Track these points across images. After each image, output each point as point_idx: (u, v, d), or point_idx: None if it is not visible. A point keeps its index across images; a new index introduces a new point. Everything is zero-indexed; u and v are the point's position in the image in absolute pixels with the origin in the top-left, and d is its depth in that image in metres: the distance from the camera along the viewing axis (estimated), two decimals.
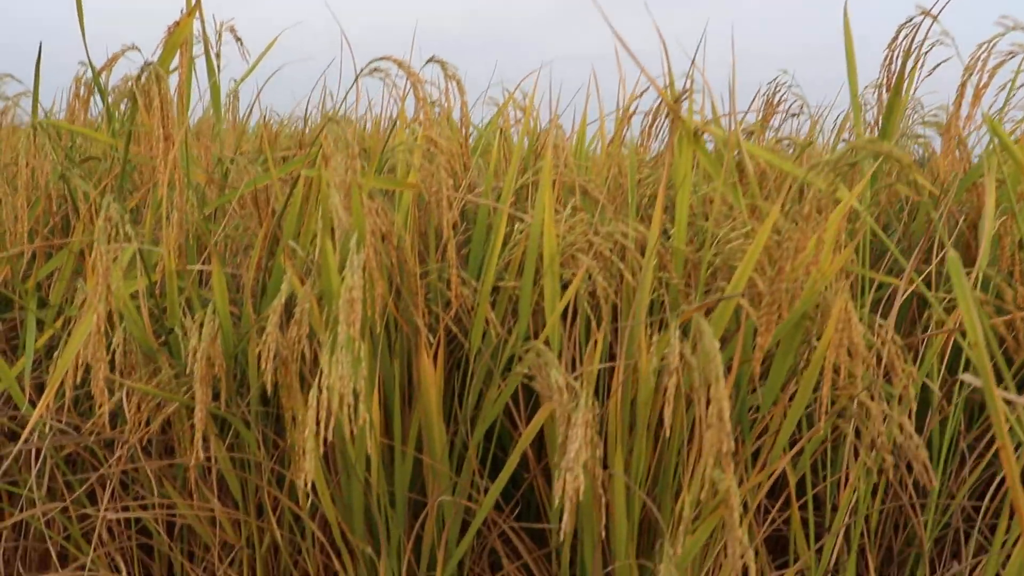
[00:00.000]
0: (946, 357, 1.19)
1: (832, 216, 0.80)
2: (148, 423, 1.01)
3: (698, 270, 0.97)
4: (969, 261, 1.48)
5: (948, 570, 1.26)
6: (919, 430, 1.25)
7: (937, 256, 1.40)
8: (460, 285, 1.01)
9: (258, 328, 1.01)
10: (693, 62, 0.90)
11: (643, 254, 0.95)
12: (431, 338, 1.00)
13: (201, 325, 0.90)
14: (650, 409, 0.86)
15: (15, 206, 1.32)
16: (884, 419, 0.83)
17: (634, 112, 1.16)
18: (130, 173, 1.59)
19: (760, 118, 1.34)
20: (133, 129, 1.26)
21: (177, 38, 1.17)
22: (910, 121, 1.48)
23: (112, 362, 1.24)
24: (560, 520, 1.03)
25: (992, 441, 1.41)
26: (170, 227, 1.12)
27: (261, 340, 0.84)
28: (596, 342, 0.84)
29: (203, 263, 1.31)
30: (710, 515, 0.73)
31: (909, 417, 0.88)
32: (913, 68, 1.28)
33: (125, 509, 1.16)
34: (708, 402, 0.71)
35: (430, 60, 1.32)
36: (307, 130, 2.91)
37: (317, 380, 0.71)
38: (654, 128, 1.27)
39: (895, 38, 1.29)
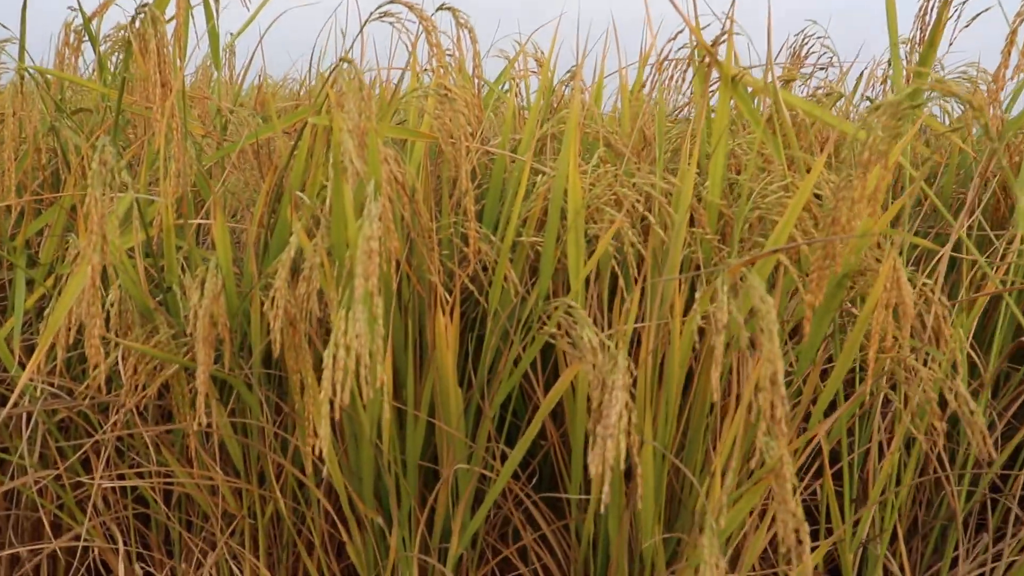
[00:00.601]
0: (973, 324, 1.14)
1: (878, 169, 0.74)
2: (145, 387, 0.96)
3: (732, 226, 0.91)
4: (998, 223, 1.42)
5: (976, 541, 1.22)
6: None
7: (970, 217, 1.34)
8: (478, 240, 0.95)
9: (263, 285, 0.95)
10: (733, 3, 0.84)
11: (675, 208, 0.89)
12: (447, 296, 0.94)
13: (203, 282, 0.84)
14: (682, 371, 0.80)
15: (2, 159, 1.25)
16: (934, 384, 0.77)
17: (665, 58, 1.10)
18: (124, 127, 1.52)
19: (787, 70, 1.28)
20: (127, 78, 1.20)
21: None
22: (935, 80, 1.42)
23: (107, 322, 1.18)
24: (585, 491, 0.97)
25: (1019, 411, 1.36)
26: (168, 179, 1.05)
27: (268, 297, 0.78)
28: (629, 301, 0.78)
29: (202, 218, 1.25)
30: (755, 485, 0.67)
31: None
32: (944, 20, 1.22)
33: (121, 477, 1.11)
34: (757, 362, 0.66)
35: (441, 7, 1.25)
36: (304, 91, 2.83)
37: (333, 338, 0.65)
38: (675, 78, 1.20)
39: None
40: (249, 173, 1.30)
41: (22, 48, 1.36)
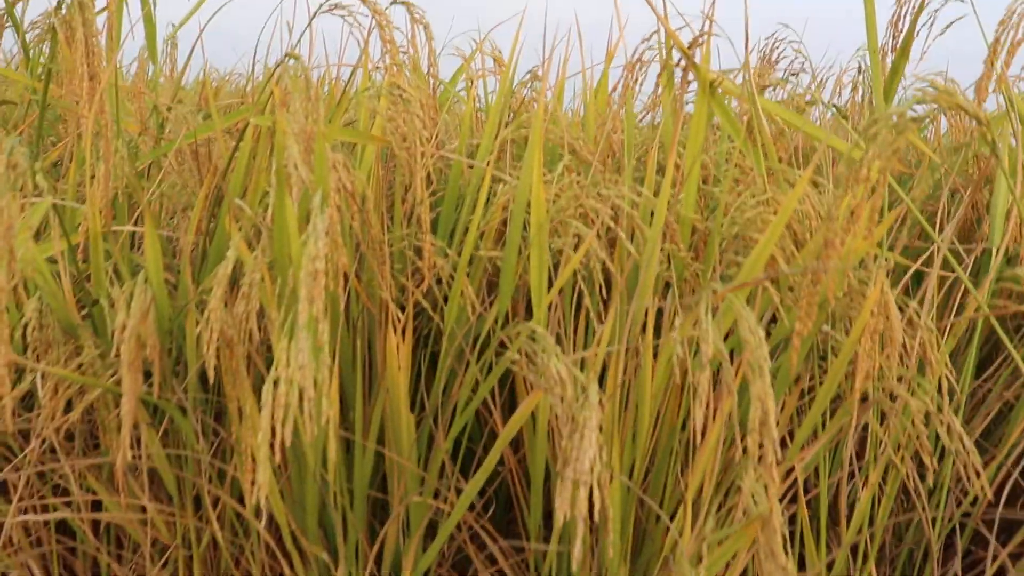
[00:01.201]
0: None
1: (862, 188, 0.69)
2: (69, 409, 0.87)
3: (706, 241, 0.85)
4: (965, 238, 1.39)
5: (946, 571, 1.18)
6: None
7: (939, 233, 1.31)
8: (434, 254, 0.88)
9: (198, 302, 0.87)
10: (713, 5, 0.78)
11: (646, 222, 0.83)
12: (399, 314, 0.87)
13: (131, 298, 0.76)
14: (657, 404, 0.74)
15: None
16: (926, 417, 0.72)
17: (638, 60, 1.04)
18: (52, 123, 1.43)
19: (761, 75, 1.22)
20: (54, 69, 1.11)
21: None
22: (905, 91, 1.38)
23: (24, 335, 1.09)
24: (545, 524, 0.91)
25: (989, 432, 1.33)
26: (96, 182, 0.97)
27: (203, 318, 0.71)
28: (601, 330, 0.72)
29: (134, 224, 1.16)
30: (742, 532, 0.61)
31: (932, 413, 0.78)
32: (916, 28, 1.17)
33: (44, 507, 1.02)
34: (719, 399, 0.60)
35: (395, 1, 1.17)
36: (251, 86, 2.73)
37: (273, 372, 0.57)
38: (642, 80, 1.14)
39: None
40: (188, 175, 1.22)
41: None
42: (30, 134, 1.25)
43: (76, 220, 1.05)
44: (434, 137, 1.10)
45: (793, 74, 1.27)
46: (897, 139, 0.59)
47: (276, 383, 0.57)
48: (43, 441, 0.83)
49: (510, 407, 1.07)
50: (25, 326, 0.88)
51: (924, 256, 0.81)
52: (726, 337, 0.91)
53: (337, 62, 1.17)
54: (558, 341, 0.95)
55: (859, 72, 1.25)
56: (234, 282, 0.91)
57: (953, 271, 1.25)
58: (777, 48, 1.22)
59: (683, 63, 0.83)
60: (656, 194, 0.98)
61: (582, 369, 0.89)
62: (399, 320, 0.86)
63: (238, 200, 0.81)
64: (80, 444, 1.01)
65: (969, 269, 1.15)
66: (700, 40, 0.79)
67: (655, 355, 0.80)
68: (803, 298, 0.64)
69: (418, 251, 0.94)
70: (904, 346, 0.81)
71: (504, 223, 0.99)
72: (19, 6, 1.30)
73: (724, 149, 0.91)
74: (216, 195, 1.01)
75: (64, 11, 1.00)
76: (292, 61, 0.75)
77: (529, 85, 1.19)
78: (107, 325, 0.95)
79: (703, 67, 0.76)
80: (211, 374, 0.73)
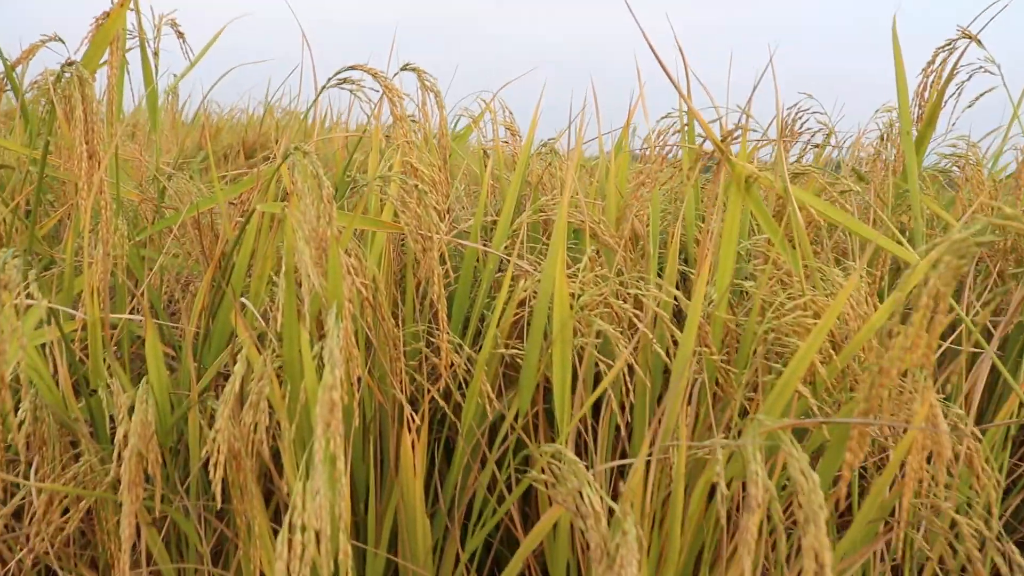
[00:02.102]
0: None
1: (921, 314, 0.65)
2: (66, 511, 0.83)
3: (739, 340, 0.81)
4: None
5: None
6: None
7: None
8: (451, 352, 0.84)
9: (203, 391, 0.83)
10: (752, 96, 0.74)
11: (679, 324, 0.79)
12: (413, 415, 0.82)
13: (131, 410, 0.71)
14: (692, 534, 0.70)
15: None
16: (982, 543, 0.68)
17: (660, 136, 1.00)
18: (50, 181, 1.38)
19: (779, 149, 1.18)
20: (51, 140, 1.06)
21: (107, 33, 0.97)
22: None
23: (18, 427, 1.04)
24: None
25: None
26: (95, 266, 0.93)
27: (210, 436, 0.66)
28: (633, 470, 0.68)
29: (133, 309, 1.12)
30: None
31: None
32: (942, 99, 1.14)
33: None
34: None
35: (405, 67, 1.13)
36: (250, 127, 2.69)
37: (288, 518, 0.53)
38: (662, 158, 1.10)
39: (931, 62, 1.15)
40: (190, 245, 1.17)
41: None
42: (27, 201, 1.21)
43: (75, 289, 1.00)
44: (447, 215, 1.05)
45: (816, 145, 1.24)
46: (960, 265, 0.56)
47: (292, 532, 0.53)
48: (33, 555, 0.78)
49: (525, 496, 1.03)
50: (20, 423, 0.83)
51: (986, 371, 0.77)
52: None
53: (343, 133, 1.13)
54: (580, 436, 0.90)
55: (881, 139, 1.21)
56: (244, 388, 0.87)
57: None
58: (800, 118, 1.19)
59: (715, 152, 0.79)
60: (678, 286, 0.94)
61: (609, 479, 0.84)
62: (413, 420, 0.81)
63: (244, 300, 0.76)
64: (76, 531, 0.96)
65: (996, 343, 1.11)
66: (735, 135, 0.75)
67: (688, 485, 0.75)
68: (854, 428, 0.59)
69: (432, 346, 0.89)
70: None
71: (520, 304, 0.95)
72: (19, 68, 1.25)
73: (756, 241, 0.87)
74: (222, 265, 0.97)
75: (64, 83, 0.96)
76: (303, 156, 0.71)
77: (544, 155, 1.15)
78: (105, 418, 0.90)
79: (739, 164, 0.72)
80: (216, 486, 0.68)
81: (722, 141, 0.74)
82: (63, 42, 1.23)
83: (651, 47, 0.72)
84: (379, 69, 0.98)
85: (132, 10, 1.07)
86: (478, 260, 0.98)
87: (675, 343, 0.79)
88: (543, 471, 0.69)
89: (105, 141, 0.94)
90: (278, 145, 2.60)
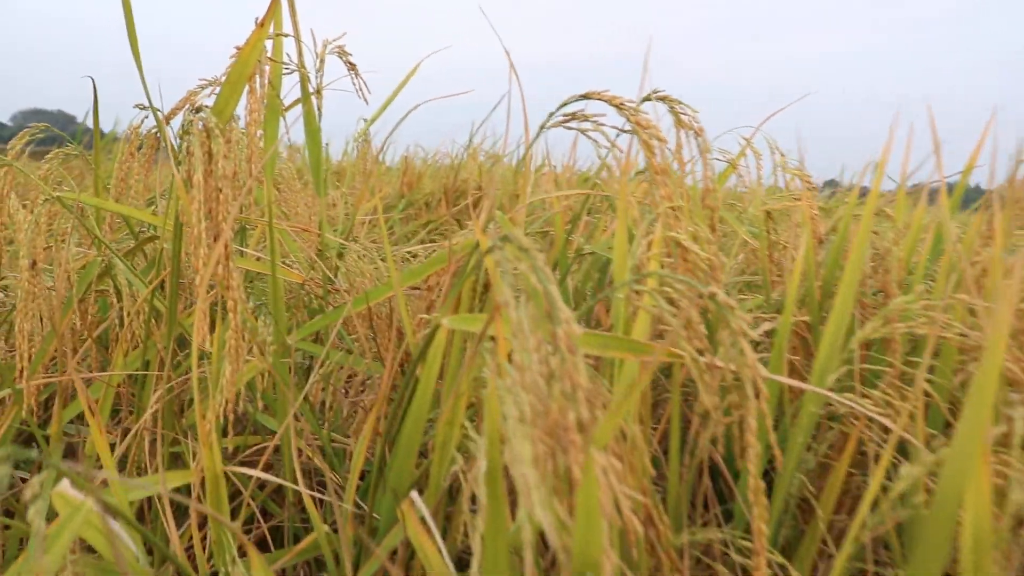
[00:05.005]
0: None
1: None
2: None
3: None
4: None
5: None
6: None
7: None
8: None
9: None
10: None
11: None
12: None
13: None
14: None
15: (20, 322, 0.86)
16: None
17: None
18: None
19: None
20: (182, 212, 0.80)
21: (243, 66, 0.69)
22: None
23: None
24: None
25: None
26: (214, 397, 0.64)
27: None
28: None
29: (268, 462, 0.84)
30: None
31: None
32: None
33: None
34: None
35: (648, 97, 0.79)
36: (452, 172, 2.42)
37: None
38: None
39: None
40: (363, 339, 0.88)
41: (97, 165, 0.99)
42: (164, 285, 0.95)
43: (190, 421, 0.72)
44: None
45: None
46: None
47: None
48: None
49: None
50: None
51: None
52: None
53: (561, 190, 0.79)
54: None
55: None
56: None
57: None
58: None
59: None
60: None
61: None
62: None
63: (419, 502, 0.44)
64: None
65: None
66: None
67: None
68: None
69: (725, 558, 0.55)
70: None
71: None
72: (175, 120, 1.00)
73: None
74: (391, 402, 0.66)
75: (189, 137, 0.68)
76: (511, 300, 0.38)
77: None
78: None
79: None
80: None
81: None
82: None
83: None
84: (626, 97, 0.65)
85: (289, 36, 0.79)
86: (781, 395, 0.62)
87: None
88: None
89: (238, 208, 0.65)
90: (480, 191, 2.32)
